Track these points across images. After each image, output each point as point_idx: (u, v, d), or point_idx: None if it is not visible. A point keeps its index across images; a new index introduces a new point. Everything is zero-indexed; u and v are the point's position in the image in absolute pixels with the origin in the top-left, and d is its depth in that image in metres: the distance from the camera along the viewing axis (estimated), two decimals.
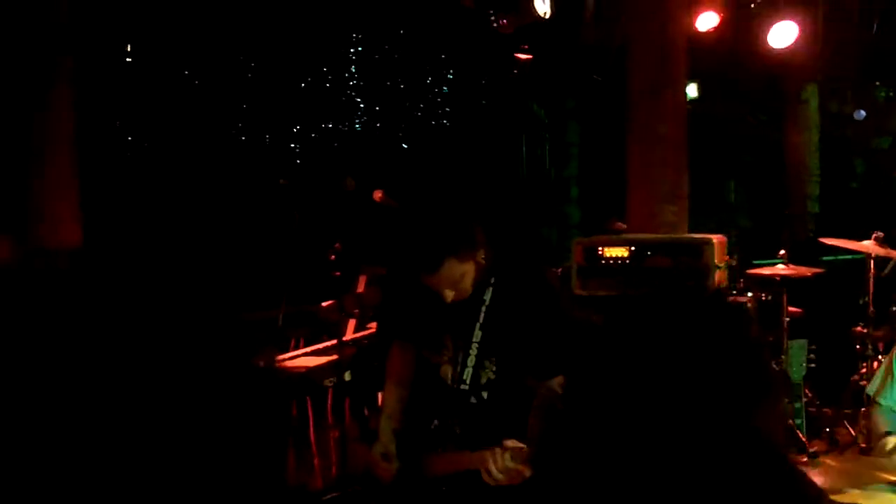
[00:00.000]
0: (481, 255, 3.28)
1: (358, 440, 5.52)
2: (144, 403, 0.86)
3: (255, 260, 6.68)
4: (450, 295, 3.24)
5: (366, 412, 5.59)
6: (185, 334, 0.91)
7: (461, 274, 3.22)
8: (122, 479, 0.86)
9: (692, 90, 9.93)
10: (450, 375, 3.34)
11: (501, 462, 2.95)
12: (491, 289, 3.30)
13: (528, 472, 2.93)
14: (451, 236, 3.28)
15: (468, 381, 3.28)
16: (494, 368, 3.26)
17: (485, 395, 3.26)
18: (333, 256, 4.77)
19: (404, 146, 11.81)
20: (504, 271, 3.33)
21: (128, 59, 10.05)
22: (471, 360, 3.27)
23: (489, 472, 2.96)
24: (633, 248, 5.62)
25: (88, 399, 0.84)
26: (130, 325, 0.88)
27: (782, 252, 6.33)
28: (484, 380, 3.28)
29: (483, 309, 3.28)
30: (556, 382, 3.07)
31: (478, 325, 3.28)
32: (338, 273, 4.80)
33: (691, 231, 6.83)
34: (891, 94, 10.64)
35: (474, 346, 3.28)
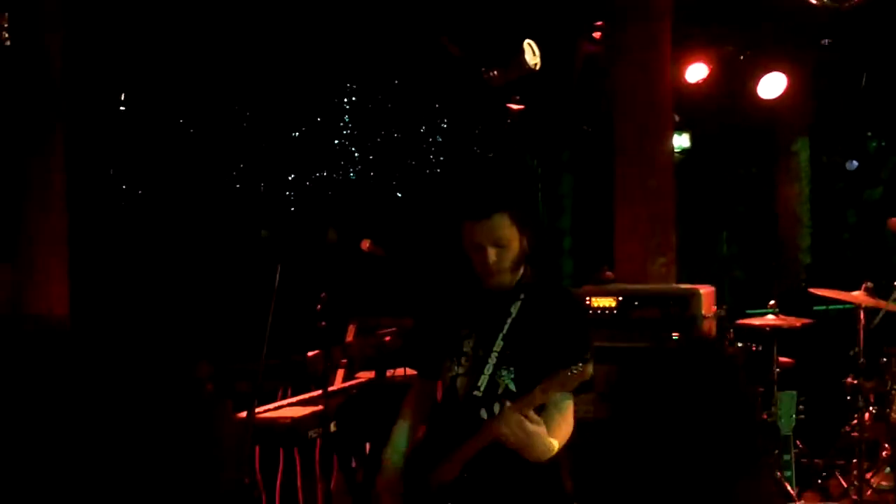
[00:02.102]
0: (525, 241, 3.29)
1: (345, 493, 5.47)
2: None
3: (241, 311, 6.66)
4: (491, 257, 3.22)
5: (353, 464, 5.54)
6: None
7: (507, 238, 3.22)
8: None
9: (684, 140, 9.98)
10: (465, 385, 3.32)
11: (510, 416, 2.96)
12: (519, 303, 3.29)
13: (532, 424, 2.95)
14: (508, 191, 3.32)
15: (482, 389, 3.26)
16: (513, 377, 3.24)
17: (496, 408, 3.23)
18: (319, 306, 4.75)
19: (398, 195, 11.84)
20: (534, 288, 3.33)
21: (121, 108, 10.11)
22: (488, 369, 3.26)
23: (503, 434, 2.97)
24: (620, 299, 5.61)
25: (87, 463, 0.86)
26: (122, 385, 0.90)
27: (772, 302, 6.31)
28: (500, 389, 3.25)
29: (508, 321, 3.28)
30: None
31: (501, 335, 3.27)
32: (323, 323, 4.78)
33: (681, 283, 6.82)
34: (882, 144, 10.68)
35: (494, 354, 3.26)
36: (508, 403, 3.06)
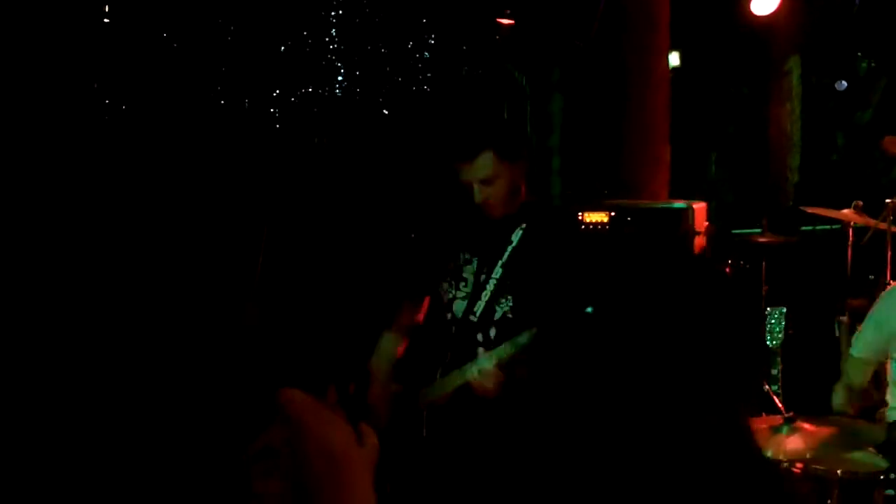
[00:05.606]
0: (519, 172, 3.26)
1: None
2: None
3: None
4: (481, 194, 3.21)
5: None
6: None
7: (496, 175, 3.20)
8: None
9: (674, 59, 9.87)
10: (462, 310, 3.33)
11: (489, 377, 2.99)
12: (521, 232, 3.29)
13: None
14: (494, 129, 3.30)
15: (478, 314, 3.28)
16: (511, 305, 3.25)
17: (493, 332, 3.25)
18: None
19: (384, 112, 11.71)
20: (536, 216, 3.32)
21: (105, 20, 9.90)
22: (485, 295, 3.29)
23: (482, 392, 3.01)
24: (613, 214, 5.59)
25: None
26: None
27: (764, 221, 6.31)
28: (498, 315, 3.27)
29: (509, 249, 3.28)
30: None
31: (500, 262, 3.28)
32: None
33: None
34: (873, 65, 10.60)
35: (493, 282, 3.28)
36: (486, 362, 3.09)
